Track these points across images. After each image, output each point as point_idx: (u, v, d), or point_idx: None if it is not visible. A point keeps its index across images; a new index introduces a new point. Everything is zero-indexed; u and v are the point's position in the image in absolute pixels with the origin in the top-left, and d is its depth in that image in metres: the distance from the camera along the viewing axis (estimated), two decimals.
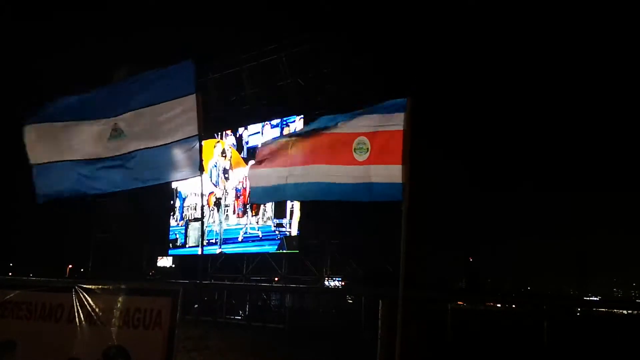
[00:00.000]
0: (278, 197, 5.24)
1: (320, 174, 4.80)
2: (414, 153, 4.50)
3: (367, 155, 4.60)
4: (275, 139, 5.36)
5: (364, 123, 4.64)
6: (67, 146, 5.10)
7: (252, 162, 18.87)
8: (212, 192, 21.18)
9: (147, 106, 4.83)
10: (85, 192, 5.26)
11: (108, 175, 5.02)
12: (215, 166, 21.31)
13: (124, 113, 4.90)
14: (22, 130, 5.21)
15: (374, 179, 4.55)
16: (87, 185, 5.15)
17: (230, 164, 20.90)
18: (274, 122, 19.52)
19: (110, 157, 4.94)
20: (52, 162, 5.15)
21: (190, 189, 22.07)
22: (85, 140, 5.04)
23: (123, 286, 4.45)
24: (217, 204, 21.01)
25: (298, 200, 15.75)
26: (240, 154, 20.57)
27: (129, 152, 4.88)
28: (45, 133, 5.19)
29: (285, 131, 18.55)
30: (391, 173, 4.45)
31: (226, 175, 20.97)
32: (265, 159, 5.10)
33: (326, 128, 4.83)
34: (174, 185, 21.67)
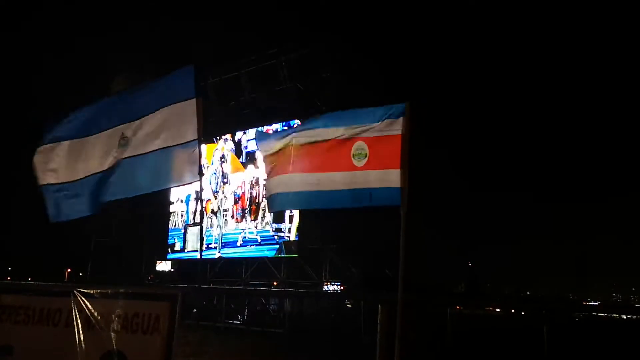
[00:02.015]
0: (288, 205, 5.28)
1: (321, 182, 4.80)
2: (413, 158, 4.51)
3: (365, 160, 4.61)
4: (275, 136, 5.29)
5: (363, 128, 4.65)
6: (77, 164, 5.13)
7: (251, 166, 18.79)
8: (209, 200, 21.15)
9: (150, 113, 4.84)
10: (97, 208, 5.24)
11: (112, 185, 5.01)
12: (215, 173, 21.30)
13: (130, 122, 4.93)
14: (31, 153, 5.28)
15: (373, 184, 4.55)
16: (97, 199, 5.12)
17: (229, 169, 20.89)
18: (274, 127, 19.52)
19: (114, 166, 4.95)
20: (64, 182, 5.18)
21: (192, 193, 22.03)
22: (96, 153, 5.06)
23: (122, 290, 4.45)
24: (216, 210, 20.99)
25: (300, 209, 15.74)
26: (239, 158, 20.56)
27: (131, 157, 4.88)
28: (54, 153, 5.23)
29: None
30: (390, 178, 4.46)
31: (225, 180, 20.96)
32: (273, 168, 5.10)
33: (325, 133, 4.82)
34: (183, 189, 21.57)
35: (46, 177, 5.23)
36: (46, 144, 5.25)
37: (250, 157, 20.05)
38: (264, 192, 18.67)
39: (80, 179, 5.11)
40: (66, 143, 5.19)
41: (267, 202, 5.58)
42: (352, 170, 4.65)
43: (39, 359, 4.54)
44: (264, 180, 18.23)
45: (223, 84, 21.44)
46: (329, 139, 4.78)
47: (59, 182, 5.19)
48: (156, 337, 4.03)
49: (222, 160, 21.13)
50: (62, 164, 5.19)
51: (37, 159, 5.26)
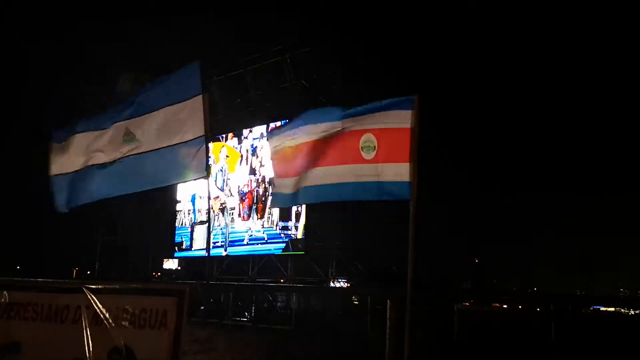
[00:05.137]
0: (295, 202, 5.30)
1: (329, 175, 4.77)
2: (422, 152, 4.46)
3: (374, 153, 4.56)
4: (281, 131, 5.33)
5: (371, 120, 4.59)
6: (84, 154, 5.27)
7: (257, 164, 18.63)
8: (217, 197, 21.16)
9: (156, 110, 4.89)
10: (99, 198, 5.39)
11: (118, 179, 5.12)
12: (221, 170, 21.30)
13: (135, 117, 4.99)
14: (47, 146, 5.48)
15: (382, 177, 4.50)
16: (101, 190, 5.29)
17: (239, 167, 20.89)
18: (279, 124, 19.45)
19: (120, 158, 5.04)
20: (71, 172, 5.34)
21: (198, 192, 22.03)
22: (101, 145, 5.18)
23: (130, 286, 4.44)
24: (222, 208, 20.99)
25: (310, 203, 15.72)
26: (245, 156, 20.55)
27: (138, 154, 4.96)
28: (65, 145, 5.41)
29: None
30: (399, 171, 4.40)
31: (231, 179, 20.97)
32: (281, 167, 5.14)
33: (331, 127, 4.79)
34: (189, 187, 21.56)
35: (56, 169, 5.43)
36: (60, 141, 5.43)
37: (257, 155, 20.05)
38: (270, 190, 18.67)
39: (85, 167, 5.25)
40: (75, 136, 5.34)
41: (273, 199, 5.74)
42: (360, 163, 4.60)
43: (46, 356, 4.53)
44: (269, 179, 18.44)
45: (228, 82, 21.44)
46: (337, 133, 4.73)
47: (66, 171, 5.37)
48: (163, 332, 4.01)
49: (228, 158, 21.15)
50: (71, 156, 5.35)
51: (51, 155, 5.45)
